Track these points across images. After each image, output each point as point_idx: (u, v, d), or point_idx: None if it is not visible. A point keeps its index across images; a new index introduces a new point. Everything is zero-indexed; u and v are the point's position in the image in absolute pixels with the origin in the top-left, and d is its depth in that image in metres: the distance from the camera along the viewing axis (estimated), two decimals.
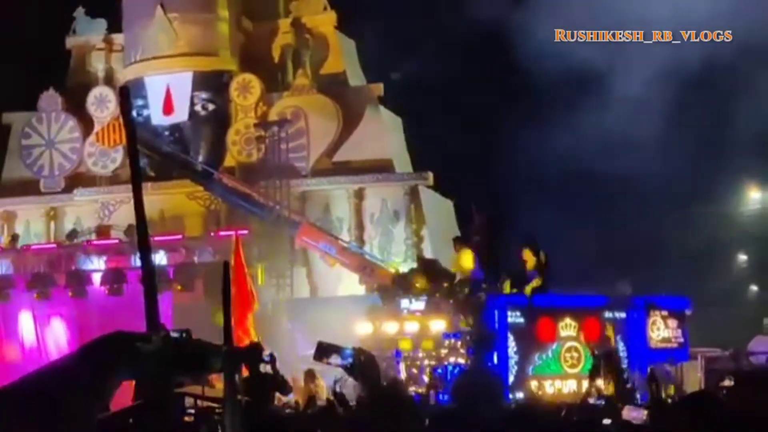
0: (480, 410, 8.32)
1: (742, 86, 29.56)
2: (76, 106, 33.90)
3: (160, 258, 25.87)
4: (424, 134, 34.03)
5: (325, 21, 33.95)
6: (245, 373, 12.47)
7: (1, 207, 33.84)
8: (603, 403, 16.30)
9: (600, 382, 17.35)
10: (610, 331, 19.91)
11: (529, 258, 20.19)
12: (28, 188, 33.95)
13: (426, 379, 19.33)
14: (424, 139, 33.80)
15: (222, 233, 28.04)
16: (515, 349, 19.57)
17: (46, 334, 26.96)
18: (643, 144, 29.25)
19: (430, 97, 35.30)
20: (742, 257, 42.38)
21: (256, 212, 30.80)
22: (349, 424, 11.31)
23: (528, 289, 19.96)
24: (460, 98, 36.35)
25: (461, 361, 19.11)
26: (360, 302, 23.98)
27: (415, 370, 19.67)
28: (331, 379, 17.06)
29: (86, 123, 33.78)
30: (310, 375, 20.12)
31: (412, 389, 18.34)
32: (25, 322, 27.17)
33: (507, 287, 20.41)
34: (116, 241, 28.15)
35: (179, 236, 28.27)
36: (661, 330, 21.00)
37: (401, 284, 21.13)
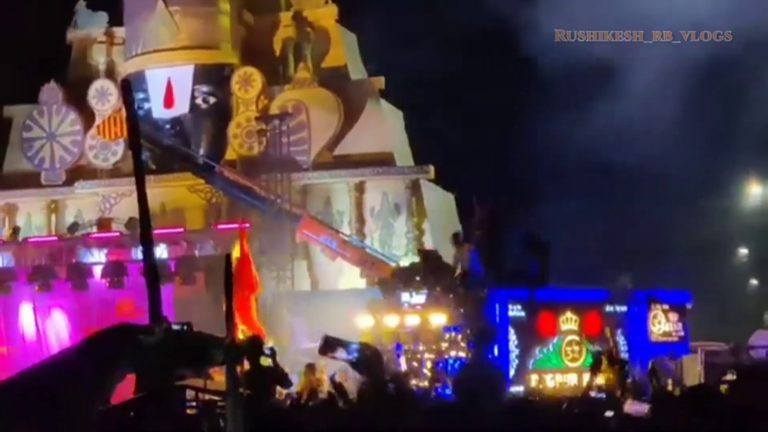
0: (480, 404, 8.33)
1: (745, 81, 29.56)
2: (77, 99, 33.90)
3: (161, 251, 25.86)
4: (425, 128, 34.02)
5: (326, 14, 33.93)
6: (246, 366, 12.51)
7: (2, 199, 33.84)
8: (604, 396, 16.29)
9: (602, 377, 17.34)
10: (608, 332, 19.90)
11: None
12: (29, 181, 33.96)
13: (427, 372, 19.34)
14: (425, 133, 33.79)
15: (223, 226, 28.02)
16: (516, 342, 19.56)
17: (46, 327, 26.98)
18: (644, 139, 29.27)
19: (431, 90, 35.32)
20: (743, 251, 42.38)
21: (257, 205, 30.80)
22: (350, 417, 11.32)
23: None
24: (462, 91, 36.36)
25: (462, 354, 19.10)
26: (361, 296, 23.98)
27: (415, 364, 19.68)
28: (332, 372, 17.12)
29: (87, 116, 33.78)
30: (310, 368, 20.15)
31: (413, 383, 18.36)
32: (26, 315, 27.19)
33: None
34: (117, 234, 28.14)
35: (180, 229, 28.26)
36: (662, 324, 21.00)
37: (402, 278, 21.12)
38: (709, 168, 33.47)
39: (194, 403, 8.71)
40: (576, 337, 20.03)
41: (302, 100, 32.29)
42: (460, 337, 19.33)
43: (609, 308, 20.48)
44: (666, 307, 21.13)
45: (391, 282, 21.27)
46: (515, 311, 19.65)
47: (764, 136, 31.75)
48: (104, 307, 25.23)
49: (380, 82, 33.03)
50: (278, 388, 14.49)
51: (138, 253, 25.30)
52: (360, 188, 31.77)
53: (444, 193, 32.60)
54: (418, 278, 20.41)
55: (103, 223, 30.01)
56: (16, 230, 31.10)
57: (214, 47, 32.86)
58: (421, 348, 19.74)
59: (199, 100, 32.65)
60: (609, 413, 13.18)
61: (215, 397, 8.06)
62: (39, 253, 28.19)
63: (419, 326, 19.71)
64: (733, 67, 28.60)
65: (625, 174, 31.71)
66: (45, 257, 27.90)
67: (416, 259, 23.28)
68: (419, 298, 20.09)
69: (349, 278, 29.97)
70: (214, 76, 32.81)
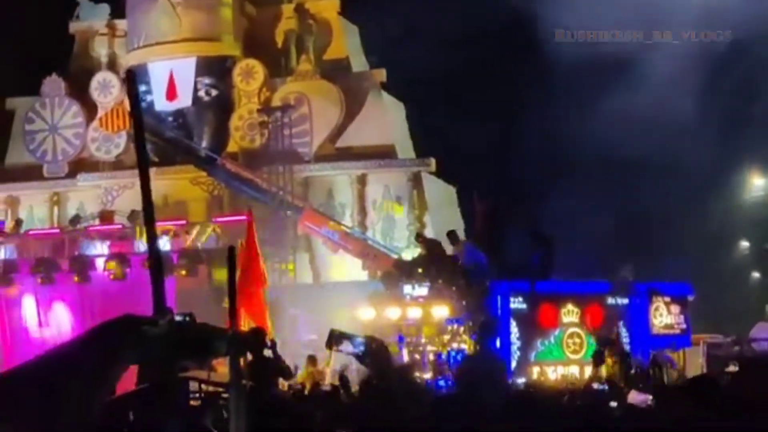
0: (482, 396, 8.35)
1: (747, 75, 29.56)
2: (80, 91, 33.93)
3: (163, 243, 25.85)
4: (427, 120, 34.03)
5: (328, 6, 33.94)
6: (249, 357, 12.54)
7: (4, 192, 33.88)
8: (606, 388, 16.31)
9: (604, 368, 17.36)
10: (618, 327, 19.93)
11: None
12: (31, 173, 33.99)
13: (429, 364, 19.36)
14: (427, 125, 33.81)
15: (223, 219, 28.03)
16: (518, 335, 19.59)
17: (49, 319, 27.01)
18: (646, 133, 29.27)
19: (433, 82, 35.30)
20: (745, 244, 42.40)
21: (259, 198, 30.82)
22: (351, 409, 11.35)
23: None
24: (463, 84, 36.35)
25: (464, 346, 19.12)
26: (362, 288, 24.00)
27: (417, 356, 19.70)
28: (339, 364, 17.17)
29: (89, 108, 33.81)
30: (312, 360, 20.20)
31: (415, 375, 18.38)
32: (29, 307, 27.22)
33: None
34: (119, 226, 28.17)
35: (183, 222, 28.27)
36: (664, 316, 21.01)
37: (404, 270, 21.13)
38: (711, 161, 33.47)
39: (198, 395, 8.74)
40: (577, 330, 20.05)
41: (304, 92, 32.31)
42: (462, 329, 19.35)
43: (611, 300, 20.50)
44: (668, 299, 21.15)
45: (393, 274, 21.27)
46: (517, 303, 19.68)
47: (766, 128, 31.74)
48: (107, 300, 25.22)
49: (382, 74, 33.04)
50: (281, 380, 14.53)
51: (140, 246, 25.34)
52: (362, 180, 31.80)
53: (445, 186, 32.62)
54: (420, 270, 20.42)
55: (106, 216, 30.04)
56: (18, 222, 31.11)
57: (216, 39, 32.87)
58: (423, 340, 19.76)
59: (201, 93, 32.68)
60: (613, 404, 13.23)
61: (219, 389, 8.08)
62: (41, 245, 28.21)
63: (421, 318, 19.72)
64: (736, 61, 28.60)
65: (627, 167, 31.71)
66: (47, 249, 27.92)
67: (418, 250, 23.28)
68: (421, 290, 20.10)
69: (351, 270, 29.99)
70: (216, 69, 32.83)
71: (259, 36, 33.88)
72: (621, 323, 20.33)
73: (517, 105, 34.33)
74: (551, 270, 20.29)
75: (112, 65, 34.52)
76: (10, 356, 25.18)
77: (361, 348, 15.72)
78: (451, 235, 21.83)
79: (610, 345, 18.21)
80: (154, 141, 30.69)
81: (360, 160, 31.78)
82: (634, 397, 14.12)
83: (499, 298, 19.52)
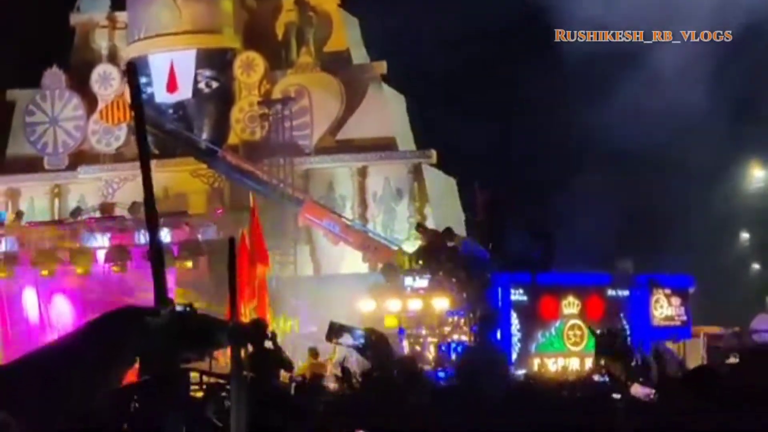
0: (482, 387, 8.36)
1: (748, 66, 29.52)
2: (80, 83, 33.90)
3: (164, 235, 25.84)
4: (428, 112, 33.99)
5: None
6: (250, 349, 12.54)
7: (5, 184, 33.87)
8: (607, 380, 16.32)
9: (605, 360, 17.35)
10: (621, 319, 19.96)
11: None
12: (32, 166, 33.97)
13: (429, 356, 19.38)
14: (428, 117, 33.77)
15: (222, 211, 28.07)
16: (518, 327, 19.62)
17: (50, 311, 27.04)
18: (647, 125, 29.24)
19: (433, 74, 35.27)
20: (745, 235, 42.34)
21: (260, 190, 30.78)
22: (351, 400, 11.37)
23: None
24: (464, 76, 36.31)
25: (465, 338, 19.14)
26: (363, 280, 24.03)
27: (418, 348, 19.72)
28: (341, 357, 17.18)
29: (90, 101, 33.78)
30: (313, 352, 20.21)
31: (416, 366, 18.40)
32: (30, 299, 27.25)
33: None
34: (120, 218, 28.18)
35: (183, 212, 28.28)
36: (664, 308, 21.03)
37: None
38: (712, 153, 33.43)
39: (199, 385, 8.76)
40: (578, 321, 20.06)
41: (304, 85, 32.28)
42: (462, 321, 19.38)
43: (611, 292, 20.52)
44: (668, 291, 21.16)
45: (394, 266, 21.28)
46: (517, 295, 19.70)
47: (767, 119, 31.71)
48: (107, 291, 25.27)
49: (382, 66, 32.99)
50: (282, 371, 14.55)
51: (141, 238, 25.35)
52: (362, 173, 31.77)
53: (446, 178, 32.60)
54: (421, 262, 20.44)
55: (106, 208, 30.06)
56: (19, 214, 31.11)
57: (216, 31, 32.83)
58: (423, 332, 19.79)
59: (201, 85, 32.65)
60: (616, 396, 13.23)
61: (220, 380, 8.10)
62: (42, 237, 28.22)
63: (422, 310, 19.75)
64: (737, 55, 28.55)
65: (628, 160, 31.67)
66: (48, 242, 27.94)
67: (419, 242, 23.29)
68: (422, 282, 20.13)
69: (352, 263, 29.98)
70: (217, 61, 32.80)
71: (259, 28, 33.83)
72: (621, 315, 20.35)
73: (518, 97, 34.29)
74: (552, 262, 20.31)
75: (112, 57, 34.47)
76: (11, 348, 25.22)
77: (361, 340, 15.75)
78: (448, 232, 21.81)
79: (611, 337, 18.20)
80: (155, 133, 30.64)
81: (360, 153, 31.75)
82: (637, 390, 14.12)
83: (499, 289, 19.54)
